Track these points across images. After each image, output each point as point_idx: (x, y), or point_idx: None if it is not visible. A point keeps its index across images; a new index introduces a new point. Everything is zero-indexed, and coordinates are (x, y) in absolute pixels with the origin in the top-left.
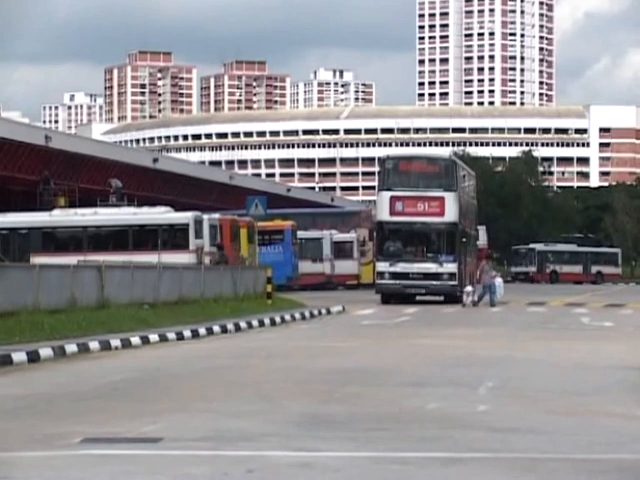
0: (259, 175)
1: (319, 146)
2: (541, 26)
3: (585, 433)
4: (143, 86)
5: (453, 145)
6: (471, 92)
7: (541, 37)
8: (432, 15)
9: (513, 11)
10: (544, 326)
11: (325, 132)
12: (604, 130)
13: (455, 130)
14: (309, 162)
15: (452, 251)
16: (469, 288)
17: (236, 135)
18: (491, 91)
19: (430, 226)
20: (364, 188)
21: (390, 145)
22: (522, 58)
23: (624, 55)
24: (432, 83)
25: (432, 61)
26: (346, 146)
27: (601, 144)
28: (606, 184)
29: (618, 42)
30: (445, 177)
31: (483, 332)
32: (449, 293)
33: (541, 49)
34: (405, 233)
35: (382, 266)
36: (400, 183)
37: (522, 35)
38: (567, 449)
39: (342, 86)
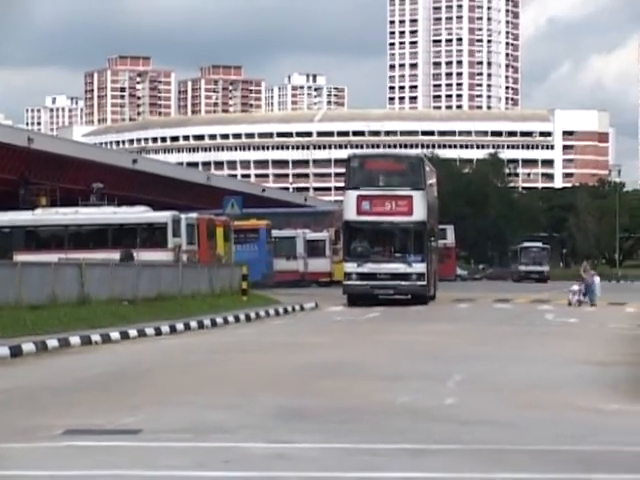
0: (235, 176)
1: (293, 148)
2: (507, 32)
3: (549, 426)
4: (123, 89)
5: (422, 147)
6: (439, 96)
7: (507, 43)
8: (402, 22)
9: (480, 18)
10: (510, 322)
11: (299, 134)
12: (567, 133)
13: (424, 133)
14: (283, 163)
15: (421, 251)
16: (575, 287)
17: (213, 137)
18: (459, 95)
19: (398, 225)
20: (336, 189)
21: (362, 147)
22: (489, 63)
23: (586, 60)
24: (402, 87)
25: (402, 66)
26: (319, 148)
27: (565, 147)
28: (569, 185)
29: (580, 48)
30: (412, 175)
31: (451, 328)
32: (418, 294)
33: (507, 55)
34: (373, 233)
35: (350, 267)
36: (367, 182)
37: (489, 41)
38: (532, 441)
39: (315, 90)
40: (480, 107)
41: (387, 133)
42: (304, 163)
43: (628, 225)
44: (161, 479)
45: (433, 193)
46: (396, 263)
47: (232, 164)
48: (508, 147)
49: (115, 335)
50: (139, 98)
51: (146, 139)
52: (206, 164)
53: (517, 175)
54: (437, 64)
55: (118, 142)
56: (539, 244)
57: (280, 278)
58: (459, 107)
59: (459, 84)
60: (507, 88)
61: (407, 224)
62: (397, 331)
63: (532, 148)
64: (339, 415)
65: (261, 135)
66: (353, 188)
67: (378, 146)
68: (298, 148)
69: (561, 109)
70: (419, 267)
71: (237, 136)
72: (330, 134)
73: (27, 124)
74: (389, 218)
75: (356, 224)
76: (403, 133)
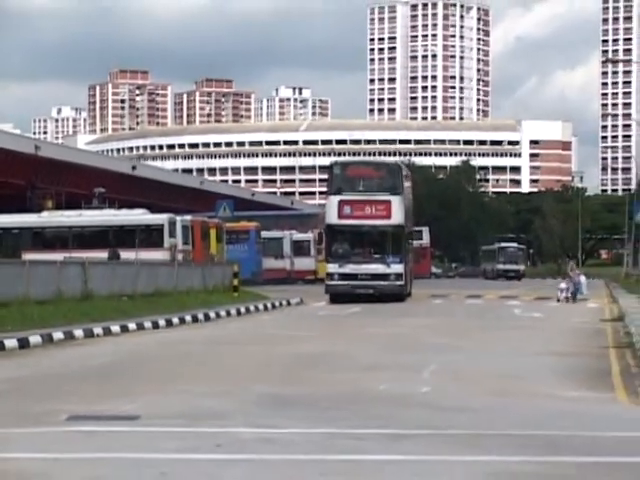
0: (227, 181)
1: (280, 155)
2: (478, 49)
3: (516, 412)
4: (123, 101)
5: (400, 155)
6: (416, 108)
7: (478, 59)
8: (381, 39)
9: (453, 36)
10: (481, 317)
11: (286, 143)
12: (534, 142)
13: (402, 142)
14: (271, 170)
15: (399, 252)
16: (563, 285)
17: (206, 145)
18: (434, 107)
19: (377, 228)
20: (321, 193)
21: (344, 155)
22: (461, 78)
23: (551, 75)
24: (381, 99)
25: (381, 80)
26: (304, 155)
27: (531, 154)
28: (536, 190)
29: (546, 63)
30: (391, 181)
31: (427, 322)
32: (396, 293)
33: (478, 70)
34: (353, 235)
35: (331, 267)
36: (348, 187)
37: (461, 57)
38: (501, 426)
39: (301, 102)
40: (453, 118)
41: (367, 142)
42: (291, 169)
43: (590, 227)
44: (158, 462)
45: (409, 197)
46: (375, 264)
47: (224, 170)
48: (479, 155)
49: (115, 328)
50: (138, 109)
51: (144, 147)
52: (200, 170)
53: (487, 181)
54: (414, 78)
55: (119, 150)
56: (515, 244)
57: (268, 276)
58: (434, 118)
59: (434, 97)
60: (478, 100)
61: (386, 227)
62: (376, 325)
63: (501, 156)
64: (323, 402)
65: (251, 143)
66: (335, 193)
67: (359, 154)
68: (285, 155)
69: (528, 120)
70: (397, 268)
71: (229, 144)
72: (315, 142)
73: (34, 133)
74: (369, 222)
75: (338, 227)
76: (382, 142)
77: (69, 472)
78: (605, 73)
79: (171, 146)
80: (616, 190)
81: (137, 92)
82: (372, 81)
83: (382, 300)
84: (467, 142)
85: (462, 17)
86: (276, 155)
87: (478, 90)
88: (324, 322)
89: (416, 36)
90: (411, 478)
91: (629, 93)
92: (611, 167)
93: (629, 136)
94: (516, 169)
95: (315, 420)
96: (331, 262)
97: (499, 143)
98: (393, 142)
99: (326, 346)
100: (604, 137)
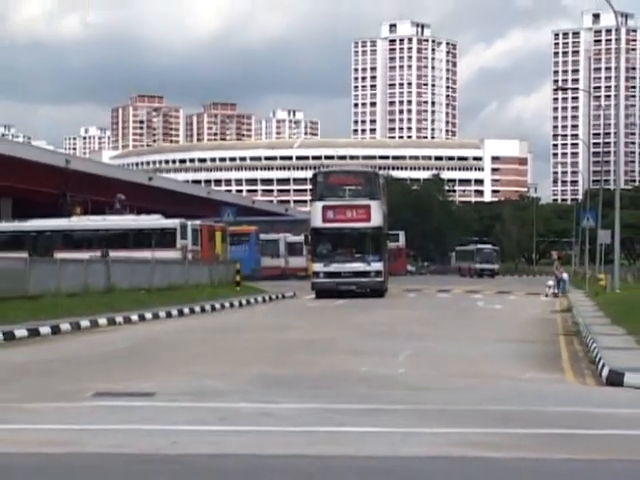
0: (230, 191)
1: (277, 169)
2: (447, 78)
3: (477, 390)
4: (141, 122)
5: (379, 169)
6: (394, 128)
7: (447, 87)
8: (364, 69)
9: (426, 67)
10: (449, 308)
11: (282, 158)
12: (495, 158)
13: (381, 157)
14: (269, 181)
15: (378, 251)
16: (550, 282)
17: (213, 160)
18: (409, 128)
19: (358, 231)
20: (311, 201)
21: None
22: (433, 102)
23: (509, 100)
24: (364, 121)
25: (364, 104)
26: (298, 169)
27: (492, 169)
28: (496, 199)
29: (505, 90)
30: (369, 187)
31: (402, 313)
32: (376, 288)
33: (447, 96)
34: (336, 237)
35: (317, 266)
36: (330, 194)
37: (433, 85)
38: (466, 402)
39: (295, 123)
40: (426, 137)
41: (352, 157)
42: (286, 181)
43: (542, 231)
44: (170, 432)
45: (385, 202)
46: (357, 263)
47: (228, 182)
48: (447, 169)
49: (134, 317)
50: (154, 128)
51: (160, 161)
52: (207, 181)
53: (455, 191)
54: (392, 103)
55: (137, 163)
56: (490, 246)
57: (266, 273)
58: (409, 137)
59: (409, 119)
60: (447, 122)
61: (366, 229)
62: (359, 315)
63: (466, 170)
64: (312, 382)
65: (251, 159)
66: (319, 199)
67: None
68: (281, 169)
69: (489, 139)
70: (377, 266)
71: (232, 159)
72: (306, 158)
73: (65, 149)
74: (350, 224)
75: (322, 230)
76: (364, 157)
77: (94, 440)
78: (556, 99)
79: (182, 160)
80: (565, 200)
81: (154, 114)
82: (356, 105)
83: (364, 295)
84: (437, 158)
85: (433, 50)
86: (273, 169)
87: (447, 113)
88: (313, 313)
89: (394, 67)
90: (386, 446)
91: (576, 117)
92: (561, 180)
93: (576, 153)
94: (479, 181)
95: (305, 397)
96: (316, 261)
97: (465, 159)
98: (374, 158)
99: (315, 334)
100: (555, 154)
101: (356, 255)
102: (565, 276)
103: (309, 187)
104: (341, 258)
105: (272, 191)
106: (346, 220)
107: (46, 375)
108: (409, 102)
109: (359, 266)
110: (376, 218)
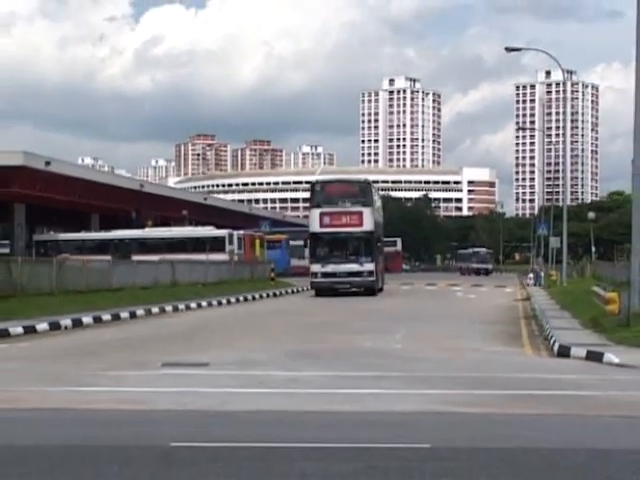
0: (266, 208)
1: (302, 191)
2: (433, 120)
3: (456, 361)
4: (198, 155)
5: (381, 190)
6: (392, 159)
7: (433, 127)
8: (369, 113)
9: (417, 111)
10: (434, 297)
11: (306, 182)
12: (470, 182)
13: (383, 181)
14: (296, 200)
15: (370, 253)
16: (531, 275)
17: (253, 184)
18: (404, 158)
19: (352, 235)
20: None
21: None
22: (422, 139)
23: (480, 137)
24: (369, 154)
25: (369, 140)
26: None
27: (468, 190)
28: (472, 214)
29: (476, 130)
30: (362, 196)
31: (398, 301)
32: (369, 287)
33: (433, 134)
34: (332, 241)
35: (315, 267)
36: (327, 201)
37: (422, 126)
38: (446, 370)
39: (316, 155)
40: (417, 166)
41: None
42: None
43: (507, 238)
44: (220, 394)
45: (379, 211)
46: (351, 264)
47: (265, 201)
48: (434, 190)
49: (193, 305)
50: (208, 160)
51: (212, 185)
52: (249, 201)
53: (439, 208)
54: (391, 139)
55: (195, 187)
56: (484, 249)
57: (294, 271)
58: (404, 166)
59: (404, 152)
60: (433, 154)
61: (359, 233)
62: (365, 303)
63: (448, 191)
64: (329, 354)
65: (282, 183)
66: (316, 207)
67: None
68: (305, 191)
69: (466, 167)
70: (369, 266)
71: (268, 183)
72: None
73: (139, 176)
74: (345, 229)
75: (319, 234)
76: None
77: (163, 399)
78: (517, 136)
79: (230, 185)
80: (525, 214)
81: (207, 149)
82: (363, 141)
83: (357, 294)
84: (426, 182)
85: (423, 99)
86: (299, 190)
87: (433, 147)
88: (329, 302)
89: (392, 112)
90: (386, 404)
91: (533, 150)
92: (522, 199)
93: (533, 178)
94: (459, 200)
95: (325, 366)
96: (315, 263)
97: (447, 183)
98: (377, 182)
99: (330, 317)
100: (517, 178)
101: (350, 257)
102: (541, 273)
103: (308, 196)
104: (337, 260)
105: (298, 208)
106: (341, 225)
107: (125, 349)
108: (404, 139)
109: (353, 267)
110: (368, 223)
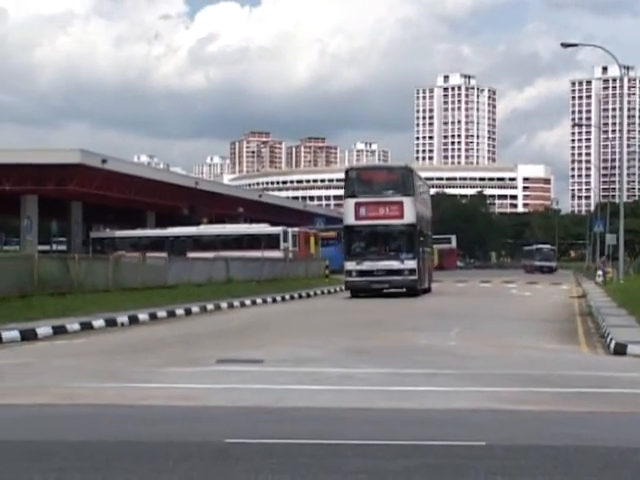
0: (321, 205)
1: None
2: (488, 117)
3: (509, 358)
4: (253, 152)
5: (436, 187)
6: (447, 156)
7: (488, 124)
8: (424, 110)
9: (472, 108)
10: (488, 295)
11: None
12: (525, 179)
13: (438, 179)
14: None
15: (411, 249)
16: (600, 272)
17: (307, 181)
18: (459, 155)
19: (391, 228)
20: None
21: None
22: (477, 136)
23: (536, 133)
24: (424, 150)
25: (424, 137)
26: None
27: (524, 187)
28: (527, 211)
29: (532, 126)
30: (402, 184)
31: (451, 299)
32: (410, 287)
33: (488, 131)
34: (369, 235)
35: (350, 265)
36: (363, 191)
37: (477, 122)
38: (500, 368)
39: (370, 152)
40: (472, 163)
41: None
42: None
43: (563, 235)
44: (275, 390)
45: (425, 201)
46: (390, 261)
47: (319, 198)
48: (489, 187)
49: (248, 302)
50: (263, 157)
51: (267, 182)
52: (303, 198)
53: (494, 205)
54: (445, 136)
55: (250, 184)
56: (548, 246)
57: None
58: (459, 162)
59: (459, 148)
60: (488, 151)
61: (399, 226)
62: (417, 302)
63: (503, 188)
64: (383, 352)
65: (337, 180)
66: (351, 196)
67: None
68: None
69: (521, 164)
70: (410, 264)
71: (322, 181)
72: None
73: (195, 174)
74: (383, 221)
75: (355, 228)
76: (425, 178)
77: (217, 395)
78: (573, 133)
79: (284, 182)
80: (580, 211)
81: (262, 146)
82: (417, 138)
83: (398, 295)
84: (481, 179)
85: (478, 96)
86: None
87: (488, 144)
88: (382, 301)
89: (447, 109)
90: (441, 401)
91: (589, 146)
92: (577, 195)
93: (589, 175)
94: (513, 197)
95: (379, 363)
96: (349, 260)
97: (502, 179)
98: (431, 179)
99: (383, 314)
100: (572, 175)
101: (390, 253)
102: (607, 270)
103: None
104: (374, 256)
105: None
106: (378, 217)
107: (180, 346)
108: (459, 136)
109: (392, 264)
110: (409, 215)
